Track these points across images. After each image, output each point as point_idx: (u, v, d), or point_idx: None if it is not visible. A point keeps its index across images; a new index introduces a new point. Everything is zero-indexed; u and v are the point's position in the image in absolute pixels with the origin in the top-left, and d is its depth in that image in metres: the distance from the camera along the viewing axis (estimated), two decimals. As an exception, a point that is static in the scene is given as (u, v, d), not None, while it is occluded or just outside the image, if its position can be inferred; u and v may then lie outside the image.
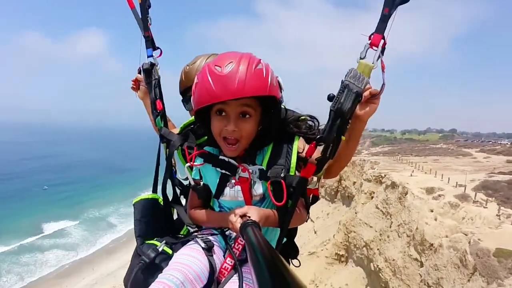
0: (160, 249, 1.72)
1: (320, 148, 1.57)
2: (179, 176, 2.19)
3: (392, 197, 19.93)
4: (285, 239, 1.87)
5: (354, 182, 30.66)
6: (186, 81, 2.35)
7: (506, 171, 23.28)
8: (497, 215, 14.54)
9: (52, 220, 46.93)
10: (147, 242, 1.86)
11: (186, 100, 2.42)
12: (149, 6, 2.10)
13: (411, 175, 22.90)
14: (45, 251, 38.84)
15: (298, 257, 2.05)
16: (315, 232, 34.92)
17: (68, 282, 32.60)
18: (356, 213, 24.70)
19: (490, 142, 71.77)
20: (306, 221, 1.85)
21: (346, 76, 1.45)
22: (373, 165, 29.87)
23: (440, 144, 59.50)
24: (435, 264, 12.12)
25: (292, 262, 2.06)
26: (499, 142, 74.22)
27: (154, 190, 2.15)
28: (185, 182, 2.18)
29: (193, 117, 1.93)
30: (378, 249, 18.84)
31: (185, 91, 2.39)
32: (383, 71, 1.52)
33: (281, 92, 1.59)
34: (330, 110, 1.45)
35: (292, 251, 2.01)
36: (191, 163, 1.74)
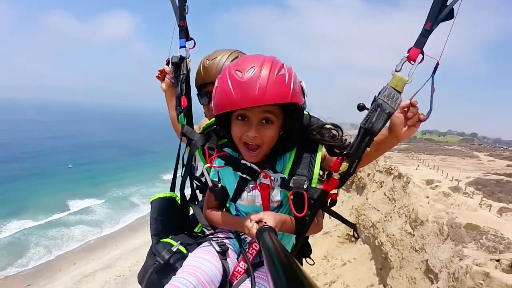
0: (174, 249, 1.71)
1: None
2: (197, 173, 2.18)
3: (398, 185, 23.73)
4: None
5: (369, 174, 34.29)
6: (204, 76, 2.32)
7: (501, 173, 26.68)
8: (479, 204, 18.27)
9: (77, 198, 48.26)
10: (162, 241, 1.85)
11: (201, 95, 2.39)
12: None
13: (416, 169, 26.63)
14: (71, 227, 40.01)
15: (314, 236, 2.11)
16: (329, 218, 38.88)
17: (94, 256, 33.52)
18: (367, 199, 28.58)
19: (502, 148, 73.32)
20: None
21: (380, 94, 1.42)
22: (386, 159, 33.51)
23: (455, 146, 62.07)
24: (422, 234, 16.04)
25: (306, 261, 2.10)
26: (510, 148, 75.46)
27: (172, 189, 2.11)
28: (202, 179, 2.17)
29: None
30: (382, 228, 22.74)
31: (201, 86, 2.37)
32: (432, 94, 1.44)
33: (304, 98, 1.56)
34: (360, 127, 1.43)
35: (305, 251, 2.03)
36: (211, 164, 1.73)
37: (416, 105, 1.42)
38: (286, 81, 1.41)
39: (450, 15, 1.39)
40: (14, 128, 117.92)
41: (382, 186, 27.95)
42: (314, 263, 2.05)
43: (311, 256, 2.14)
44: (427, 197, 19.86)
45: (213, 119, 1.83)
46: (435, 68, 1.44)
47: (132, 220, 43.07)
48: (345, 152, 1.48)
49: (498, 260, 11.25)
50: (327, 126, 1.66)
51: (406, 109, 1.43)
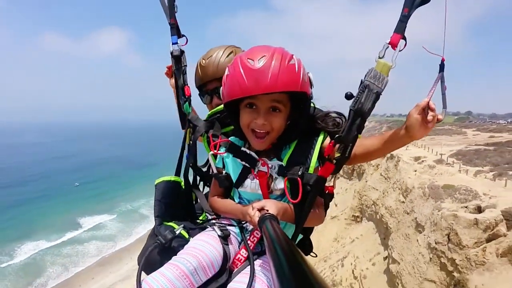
0: (177, 232, 1.70)
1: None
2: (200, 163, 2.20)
3: (391, 165, 27.05)
4: (301, 236, 1.90)
5: (369, 162, 37.53)
6: (203, 76, 2.34)
7: (481, 143, 30.09)
8: (458, 170, 21.62)
9: (87, 215, 49.55)
10: (165, 223, 1.86)
11: (203, 94, 2.43)
12: None
13: (406, 149, 29.98)
14: (85, 243, 41.27)
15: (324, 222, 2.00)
16: (336, 205, 42.01)
17: (111, 269, 34.50)
18: (366, 181, 31.87)
19: (490, 122, 76.96)
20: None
21: (366, 76, 1.44)
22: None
23: (446, 126, 65.59)
24: (410, 199, 19.31)
25: (310, 255, 2.05)
26: (497, 122, 79.05)
27: (177, 174, 2.14)
28: (204, 169, 2.23)
29: (220, 106, 1.93)
30: (381, 203, 26.01)
31: (202, 86, 2.40)
32: (444, 92, 1.46)
33: (311, 89, 1.60)
34: (350, 109, 1.44)
35: (306, 247, 2.00)
36: (215, 151, 1.77)
37: (434, 109, 1.39)
38: (296, 70, 1.46)
39: (425, 0, 1.40)
40: (15, 152, 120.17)
41: (378, 168, 31.22)
42: (316, 256, 2.02)
43: (315, 252, 2.10)
44: (415, 171, 23.18)
45: (218, 107, 1.98)
46: (442, 65, 1.45)
47: (144, 232, 43.04)
48: (337, 135, 1.48)
49: (466, 207, 14.61)
50: (332, 114, 1.68)
51: (424, 110, 1.40)
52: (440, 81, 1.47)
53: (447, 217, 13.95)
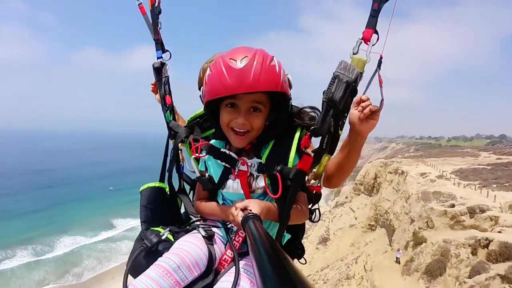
0: (163, 236, 1.72)
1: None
2: (187, 168, 2.22)
3: (401, 179, 32.35)
4: (288, 236, 1.96)
5: (382, 176, 42.70)
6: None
7: (483, 164, 34.82)
8: (453, 184, 26.80)
9: (121, 217, 52.94)
10: (152, 228, 1.87)
11: None
12: (160, 12, 2.19)
13: (416, 167, 35.18)
14: (117, 242, 44.29)
15: (340, 228, 6.49)
16: (355, 218, 46.97)
17: None
18: (381, 194, 37.08)
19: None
20: (313, 221, 1.92)
21: (336, 68, 1.49)
22: (396, 163, 41.97)
23: (467, 149, 69.02)
24: (409, 203, 24.69)
25: (299, 261, 2.07)
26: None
27: (161, 180, 2.17)
28: (193, 176, 2.22)
29: (199, 111, 2.00)
30: (391, 211, 31.27)
31: None
32: (380, 86, 1.52)
33: (290, 90, 1.64)
34: (323, 101, 1.49)
35: (297, 251, 2.00)
36: (196, 154, 1.78)
37: (366, 100, 1.50)
38: (277, 71, 1.49)
39: None
40: (51, 156, 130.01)
41: (391, 183, 36.39)
42: (306, 263, 2.05)
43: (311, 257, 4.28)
44: (418, 183, 28.47)
45: (196, 113, 2.03)
46: (379, 62, 1.52)
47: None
48: (312, 127, 1.52)
49: (443, 204, 20.11)
50: (306, 109, 1.71)
51: (358, 104, 1.52)
52: (377, 76, 1.53)
53: (427, 210, 19.52)
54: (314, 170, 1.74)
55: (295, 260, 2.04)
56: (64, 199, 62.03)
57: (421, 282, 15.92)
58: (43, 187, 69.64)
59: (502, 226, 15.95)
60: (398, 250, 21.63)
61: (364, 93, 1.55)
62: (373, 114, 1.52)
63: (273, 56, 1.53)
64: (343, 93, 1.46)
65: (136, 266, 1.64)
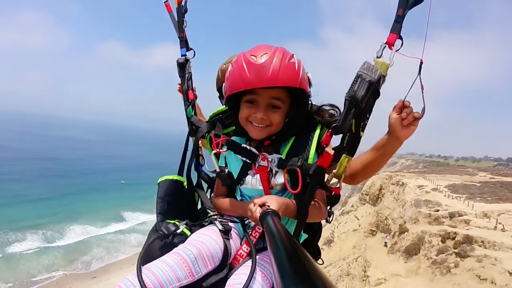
0: (179, 230, 1.71)
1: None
2: (206, 168, 2.27)
3: (401, 190, 36.90)
4: (305, 236, 1.95)
5: (385, 187, 47.15)
6: (223, 79, 2.36)
7: (476, 181, 39.21)
8: (444, 195, 31.32)
9: (131, 211, 53.25)
10: (167, 221, 1.84)
11: (223, 96, 2.44)
12: (186, 11, 2.23)
13: (415, 180, 39.72)
14: (126, 234, 44.65)
15: (344, 232, 8.76)
16: (359, 226, 51.30)
17: None
18: (383, 203, 41.59)
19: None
20: (329, 222, 1.89)
21: (360, 68, 1.50)
22: (399, 176, 46.38)
23: (469, 169, 72.98)
24: (405, 209, 29.34)
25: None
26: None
27: (180, 174, 2.19)
28: (211, 175, 2.27)
29: (221, 107, 2.06)
30: (390, 218, 35.76)
31: (221, 88, 2.43)
32: (422, 91, 1.52)
33: (310, 87, 1.67)
34: (345, 99, 1.50)
35: (312, 252, 2.01)
36: (217, 149, 1.81)
37: (409, 105, 1.50)
38: (296, 68, 1.54)
39: (418, 0, 1.47)
40: (65, 145, 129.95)
41: (393, 193, 40.87)
42: (323, 263, 2.04)
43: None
44: (415, 193, 33.01)
45: (219, 109, 2.06)
46: (420, 67, 1.51)
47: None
48: (334, 125, 1.55)
49: (429, 209, 24.76)
50: (325, 107, 1.74)
51: (400, 109, 1.51)
52: (419, 82, 1.51)
53: (415, 213, 24.18)
54: (334, 170, 1.70)
55: None
56: (76, 188, 62.65)
57: (401, 259, 21.02)
58: (56, 176, 70.98)
59: (471, 226, 20.55)
60: (386, 236, 27.72)
61: (405, 98, 1.53)
62: (414, 121, 1.52)
63: (293, 54, 1.59)
64: (365, 92, 1.46)
65: (150, 254, 1.59)
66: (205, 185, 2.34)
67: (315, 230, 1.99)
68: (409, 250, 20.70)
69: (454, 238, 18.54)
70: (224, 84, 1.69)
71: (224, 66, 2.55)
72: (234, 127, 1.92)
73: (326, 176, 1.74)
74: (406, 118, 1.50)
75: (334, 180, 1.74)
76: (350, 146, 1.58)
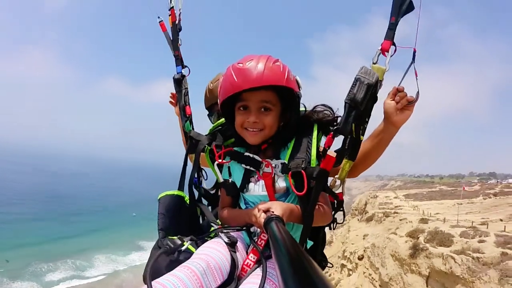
0: (184, 247, 1.70)
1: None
2: (205, 186, 2.34)
3: (373, 200, 54.70)
4: (311, 243, 1.97)
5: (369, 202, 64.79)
6: (211, 97, 2.57)
7: (425, 191, 57.33)
8: (399, 200, 49.11)
9: (146, 240, 55.68)
10: (169, 237, 1.84)
11: (211, 114, 2.63)
12: (180, 29, 2.32)
13: (385, 193, 57.72)
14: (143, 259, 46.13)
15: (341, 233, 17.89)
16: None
17: None
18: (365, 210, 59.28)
19: (495, 182, 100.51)
20: (333, 228, 1.98)
21: (358, 72, 1.60)
22: (376, 193, 63.86)
23: (437, 184, 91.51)
24: (371, 209, 47.32)
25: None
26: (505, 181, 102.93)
27: (180, 189, 2.20)
28: (212, 192, 2.36)
29: (221, 119, 2.07)
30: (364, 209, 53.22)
31: (211, 107, 2.62)
32: (416, 77, 1.62)
33: (300, 89, 1.74)
34: (345, 102, 1.58)
35: (321, 262, 2.06)
36: (220, 160, 1.86)
37: (402, 90, 1.64)
38: (281, 69, 1.62)
39: (410, 7, 1.61)
40: (74, 181, 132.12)
41: (370, 203, 58.28)
42: (332, 266, 2.10)
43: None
44: (381, 200, 50.64)
45: (219, 121, 2.11)
46: (414, 55, 1.62)
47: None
48: (336, 127, 1.62)
49: (384, 207, 42.74)
50: (318, 108, 1.78)
51: (394, 95, 1.65)
52: (413, 69, 1.61)
53: (374, 200, 41.93)
54: (336, 176, 1.76)
55: None
56: (93, 225, 64.47)
57: (363, 223, 38.02)
58: (71, 214, 72.77)
59: (402, 210, 38.01)
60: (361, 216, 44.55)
61: (399, 84, 1.64)
62: (409, 105, 1.63)
63: (278, 59, 1.67)
64: (364, 94, 1.54)
65: (156, 270, 1.58)
66: (205, 202, 2.38)
67: (319, 236, 2.02)
68: (368, 219, 37.97)
69: (388, 215, 35.79)
70: (218, 94, 1.76)
71: (211, 84, 2.62)
72: (234, 139, 2.00)
73: (330, 180, 1.79)
74: (400, 102, 1.64)
75: (336, 184, 1.82)
76: (351, 150, 1.66)
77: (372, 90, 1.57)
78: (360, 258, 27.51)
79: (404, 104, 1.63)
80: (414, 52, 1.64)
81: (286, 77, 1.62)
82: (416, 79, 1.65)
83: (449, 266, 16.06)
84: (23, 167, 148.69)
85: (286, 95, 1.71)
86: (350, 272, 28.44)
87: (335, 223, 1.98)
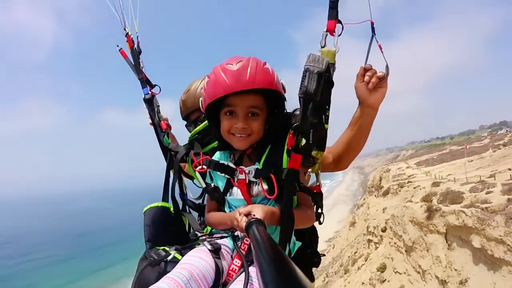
0: (170, 256, 1.75)
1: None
2: (190, 196, 2.39)
3: (387, 174, 56.23)
4: (299, 244, 1.92)
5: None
6: (185, 109, 2.54)
7: (436, 155, 58.62)
8: (411, 168, 50.57)
9: None
10: (157, 248, 1.87)
11: (189, 124, 2.59)
12: (140, 52, 2.36)
13: (397, 165, 59.15)
14: None
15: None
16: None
17: None
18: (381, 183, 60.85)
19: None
20: (320, 223, 1.93)
21: (306, 62, 1.53)
22: (388, 166, 65.34)
23: (447, 146, 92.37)
24: (387, 181, 48.92)
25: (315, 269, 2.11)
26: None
27: (165, 200, 2.26)
28: (197, 202, 2.40)
29: (198, 127, 2.14)
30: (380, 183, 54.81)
31: (186, 117, 2.59)
32: (381, 50, 1.59)
33: (285, 93, 1.73)
34: (299, 97, 1.51)
35: (312, 259, 2.03)
36: (199, 167, 1.90)
37: (370, 68, 1.62)
38: (270, 72, 1.62)
39: None
40: (90, 216, 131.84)
41: (385, 176, 59.76)
42: (324, 255, 2.08)
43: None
44: (394, 172, 52.08)
45: (196, 129, 2.16)
46: (372, 27, 1.61)
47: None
48: (294, 125, 1.56)
49: (398, 178, 44.31)
50: (297, 111, 1.73)
51: (363, 76, 1.64)
52: (375, 42, 1.59)
53: (387, 174, 43.56)
54: (309, 170, 1.78)
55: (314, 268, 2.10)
56: (122, 255, 62.13)
57: (381, 197, 39.69)
58: (98, 248, 73.46)
59: (416, 179, 39.52)
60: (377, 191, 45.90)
61: (365, 63, 1.62)
62: (381, 82, 1.60)
63: (265, 62, 1.64)
64: (316, 84, 1.47)
65: (143, 282, 1.65)
66: (195, 214, 2.43)
67: (307, 235, 2.02)
68: (384, 193, 39.57)
69: (402, 185, 37.31)
70: (200, 99, 1.74)
71: (184, 96, 2.55)
72: (214, 144, 2.06)
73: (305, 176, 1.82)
74: (371, 82, 1.62)
75: (313, 179, 1.83)
76: (317, 141, 1.65)
77: (324, 77, 1.52)
78: (384, 230, 29.01)
79: (376, 82, 1.63)
80: (372, 24, 1.63)
81: (275, 80, 1.64)
82: (382, 52, 1.62)
83: (461, 220, 17.56)
84: (44, 214, 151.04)
85: (272, 99, 1.71)
86: (377, 245, 29.92)
87: (322, 217, 1.96)
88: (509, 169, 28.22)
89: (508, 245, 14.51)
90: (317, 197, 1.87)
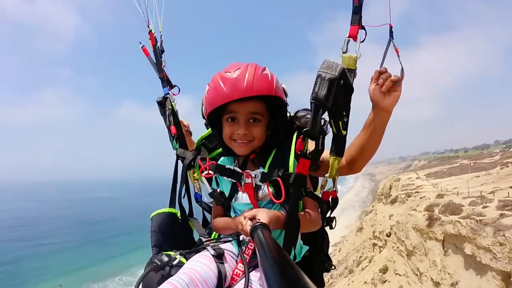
0: (176, 261, 1.77)
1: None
2: (205, 199, 2.33)
3: (396, 183, 58.08)
4: (306, 247, 1.89)
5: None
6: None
7: (446, 168, 60.19)
8: (420, 179, 52.39)
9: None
10: (164, 252, 1.89)
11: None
12: (163, 51, 2.37)
13: (407, 174, 60.90)
14: None
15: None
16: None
17: None
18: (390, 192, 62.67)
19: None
20: (332, 228, 1.93)
21: (319, 67, 1.54)
22: (398, 176, 67.02)
23: (459, 159, 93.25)
24: (396, 190, 50.82)
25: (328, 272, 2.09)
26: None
27: (172, 205, 2.28)
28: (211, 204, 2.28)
29: (204, 133, 2.14)
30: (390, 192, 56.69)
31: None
32: (397, 55, 1.56)
33: (286, 97, 1.73)
34: (310, 102, 1.53)
35: (323, 264, 2.02)
36: (206, 172, 1.86)
37: (385, 71, 1.57)
38: (269, 78, 1.61)
39: None
40: (104, 205, 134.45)
41: (395, 186, 61.55)
42: (335, 268, 1.93)
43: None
44: (403, 182, 53.93)
45: (202, 135, 2.15)
46: (391, 31, 1.57)
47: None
48: (304, 129, 1.57)
49: (406, 189, 46.29)
50: (300, 113, 1.78)
51: (377, 79, 1.60)
52: (392, 46, 1.55)
53: (397, 183, 45.59)
54: (326, 175, 1.77)
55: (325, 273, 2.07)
56: (135, 244, 61.43)
57: (389, 205, 41.62)
58: (112, 236, 73.84)
59: (423, 189, 41.38)
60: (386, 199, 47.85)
61: (381, 66, 1.58)
62: (395, 86, 1.55)
63: (265, 67, 1.64)
64: (327, 91, 1.47)
65: (145, 286, 1.69)
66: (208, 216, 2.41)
67: (316, 239, 2.01)
68: (392, 201, 41.48)
69: (410, 195, 39.24)
70: (202, 107, 1.77)
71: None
72: (220, 150, 2.03)
73: (320, 181, 1.86)
74: (385, 85, 1.57)
75: (330, 184, 1.82)
76: (335, 146, 1.67)
77: (338, 84, 1.51)
78: (388, 235, 31.11)
79: (389, 85, 1.59)
80: (391, 28, 1.61)
81: (274, 86, 1.62)
82: (398, 56, 1.60)
83: (457, 229, 19.62)
84: (60, 202, 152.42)
85: (273, 104, 1.71)
86: (381, 249, 32.07)
87: (334, 222, 1.95)
88: (511, 187, 30.17)
89: (494, 253, 16.60)
90: (333, 202, 1.89)
